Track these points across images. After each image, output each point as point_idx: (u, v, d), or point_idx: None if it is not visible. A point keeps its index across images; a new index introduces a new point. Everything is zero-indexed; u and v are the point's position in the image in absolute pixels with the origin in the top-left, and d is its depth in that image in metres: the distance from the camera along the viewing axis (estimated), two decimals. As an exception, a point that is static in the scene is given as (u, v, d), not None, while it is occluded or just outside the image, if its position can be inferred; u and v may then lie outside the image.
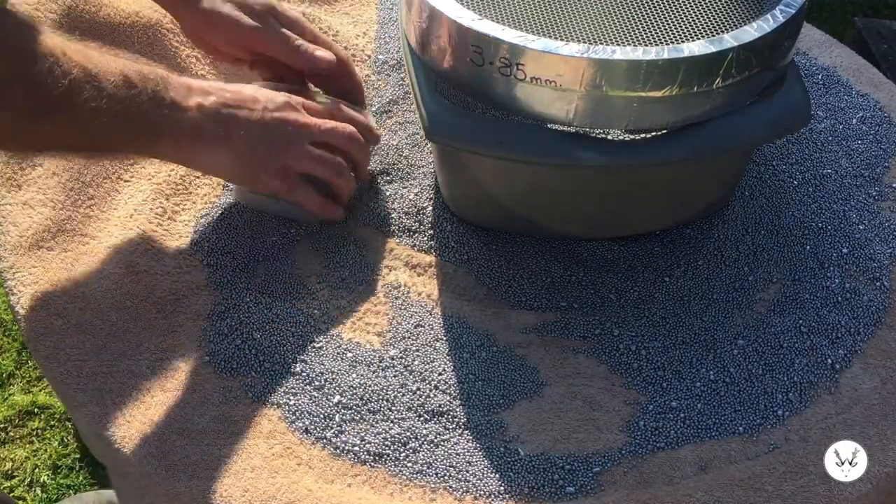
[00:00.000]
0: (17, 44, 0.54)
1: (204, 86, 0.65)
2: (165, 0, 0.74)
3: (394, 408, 0.63)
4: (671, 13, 0.64)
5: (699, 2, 0.66)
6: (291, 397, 0.62)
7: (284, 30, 0.72)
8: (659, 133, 0.64)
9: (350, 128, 0.70)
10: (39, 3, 0.78)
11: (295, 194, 0.68)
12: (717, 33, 0.62)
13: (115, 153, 0.62)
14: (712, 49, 0.60)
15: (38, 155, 0.72)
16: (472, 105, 0.68)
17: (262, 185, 0.68)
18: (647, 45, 0.61)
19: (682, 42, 0.61)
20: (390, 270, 0.71)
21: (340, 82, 0.76)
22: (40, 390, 1.36)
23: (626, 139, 0.64)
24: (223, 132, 0.64)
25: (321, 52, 0.72)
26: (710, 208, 0.76)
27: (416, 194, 0.76)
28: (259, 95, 0.67)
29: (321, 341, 0.66)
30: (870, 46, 1.48)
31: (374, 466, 0.60)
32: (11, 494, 1.24)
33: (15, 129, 0.56)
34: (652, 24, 0.63)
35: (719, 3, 0.66)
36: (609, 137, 0.65)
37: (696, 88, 0.61)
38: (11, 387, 1.37)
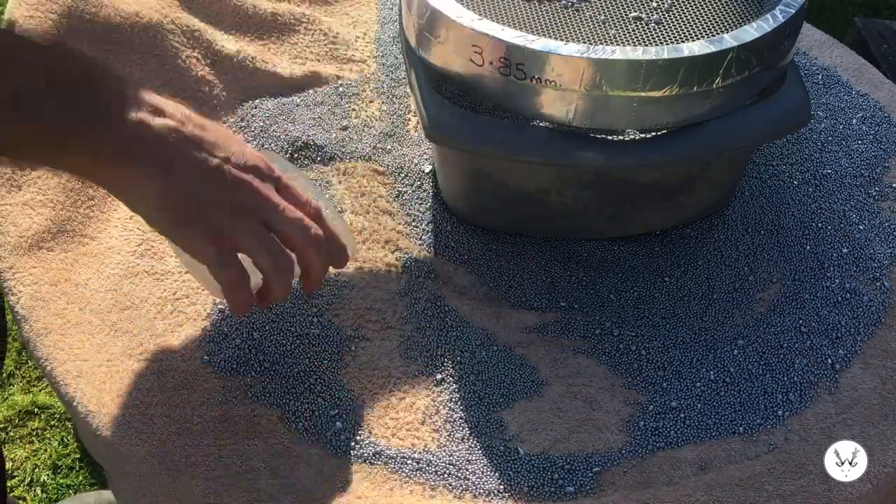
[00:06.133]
0: None
1: (167, 107, 0.52)
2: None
3: (393, 406, 0.63)
4: (671, 13, 0.64)
5: (699, 2, 0.66)
6: (291, 397, 0.62)
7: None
8: (659, 133, 0.64)
9: (319, 230, 0.56)
10: (39, 3, 0.78)
11: (221, 273, 0.54)
12: (717, 33, 0.62)
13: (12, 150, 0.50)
14: (712, 49, 0.60)
15: None
16: (472, 105, 0.68)
17: (186, 242, 0.54)
18: (646, 45, 0.61)
19: (682, 42, 0.61)
20: (390, 270, 0.71)
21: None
22: (40, 390, 1.36)
23: (626, 139, 0.64)
24: (163, 164, 0.51)
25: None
26: (710, 208, 0.76)
27: (416, 194, 0.76)
28: (230, 145, 0.54)
29: (321, 341, 0.66)
30: (870, 46, 1.48)
31: (373, 464, 0.60)
32: (11, 494, 1.24)
33: None
34: (652, 23, 0.63)
35: (719, 3, 0.66)
36: (609, 137, 0.65)
37: (696, 88, 0.61)
38: (11, 387, 1.37)
